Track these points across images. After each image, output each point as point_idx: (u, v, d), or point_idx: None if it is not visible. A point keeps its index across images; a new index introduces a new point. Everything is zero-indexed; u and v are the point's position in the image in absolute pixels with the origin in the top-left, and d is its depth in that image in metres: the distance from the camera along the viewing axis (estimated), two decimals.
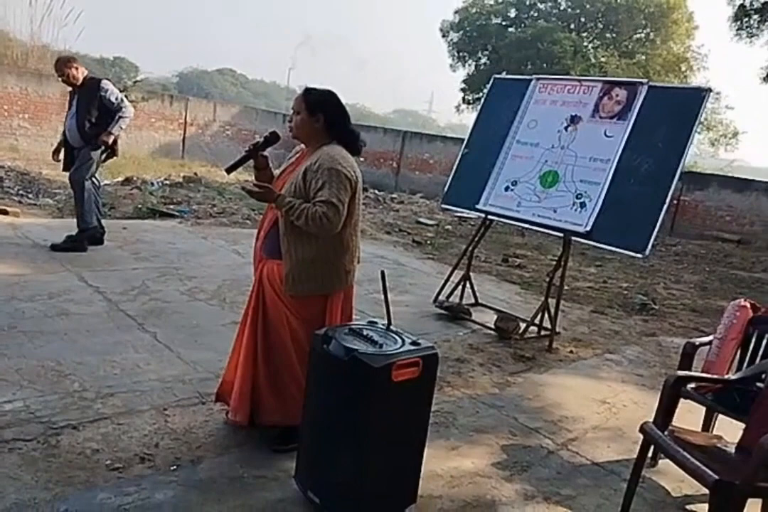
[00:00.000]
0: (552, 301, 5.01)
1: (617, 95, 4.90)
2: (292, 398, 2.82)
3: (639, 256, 4.58)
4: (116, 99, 5.75)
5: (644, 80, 5.01)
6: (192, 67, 59.62)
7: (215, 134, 18.50)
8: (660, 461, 3.18)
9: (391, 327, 2.56)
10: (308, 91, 2.85)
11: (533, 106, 5.40)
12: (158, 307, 4.62)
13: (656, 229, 4.42)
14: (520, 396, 3.92)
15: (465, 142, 5.95)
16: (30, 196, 8.82)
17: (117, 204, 8.58)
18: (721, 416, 3.22)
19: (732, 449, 2.70)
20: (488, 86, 6.05)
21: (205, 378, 3.52)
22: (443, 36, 25.41)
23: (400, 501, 2.53)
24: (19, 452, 2.63)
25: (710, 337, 3.40)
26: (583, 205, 4.80)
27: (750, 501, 2.35)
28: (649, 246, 4.43)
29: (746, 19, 14.45)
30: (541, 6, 25.09)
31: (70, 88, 5.98)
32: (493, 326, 5.05)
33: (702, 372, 3.26)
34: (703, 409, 3.29)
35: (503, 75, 6.16)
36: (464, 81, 25.49)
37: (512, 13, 25.22)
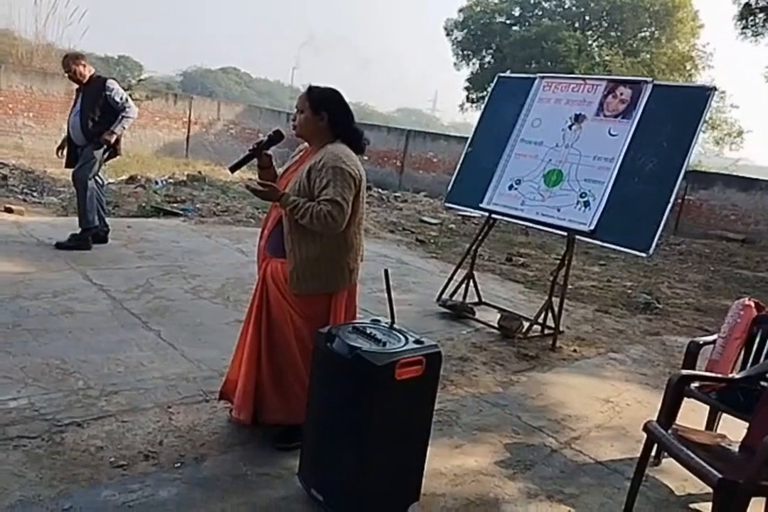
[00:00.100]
0: (556, 300, 5.01)
1: (622, 94, 4.89)
2: (295, 396, 2.82)
3: (643, 255, 4.57)
4: (121, 99, 5.76)
5: (649, 79, 5.00)
6: (196, 65, 59.75)
7: (219, 133, 18.52)
8: (663, 460, 3.18)
9: (395, 326, 2.56)
10: (312, 90, 2.85)
11: (537, 105, 5.39)
12: (162, 306, 4.63)
13: (660, 228, 4.41)
14: (523, 394, 3.91)
15: (469, 141, 5.94)
16: (34, 194, 8.84)
17: (121, 202, 8.60)
18: (724, 415, 3.22)
19: (736, 448, 2.69)
20: (492, 85, 6.04)
21: (208, 376, 3.53)
22: (447, 34, 25.40)
23: (403, 499, 2.54)
24: (23, 449, 2.64)
25: (714, 336, 3.40)
26: (587, 203, 4.79)
27: (754, 499, 2.34)
28: (654, 245, 4.42)
29: (751, 17, 14.40)
30: (546, 4, 25.04)
31: (75, 86, 6.00)
32: (496, 325, 5.05)
33: (706, 371, 3.26)
34: (707, 408, 3.29)
35: (507, 73, 6.13)
36: (468, 79, 25.46)
37: (517, 12, 25.17)
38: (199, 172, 12.35)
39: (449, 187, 5.92)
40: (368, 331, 2.47)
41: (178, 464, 2.68)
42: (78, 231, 5.89)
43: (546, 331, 5.05)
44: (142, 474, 2.57)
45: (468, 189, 5.63)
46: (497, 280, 7.03)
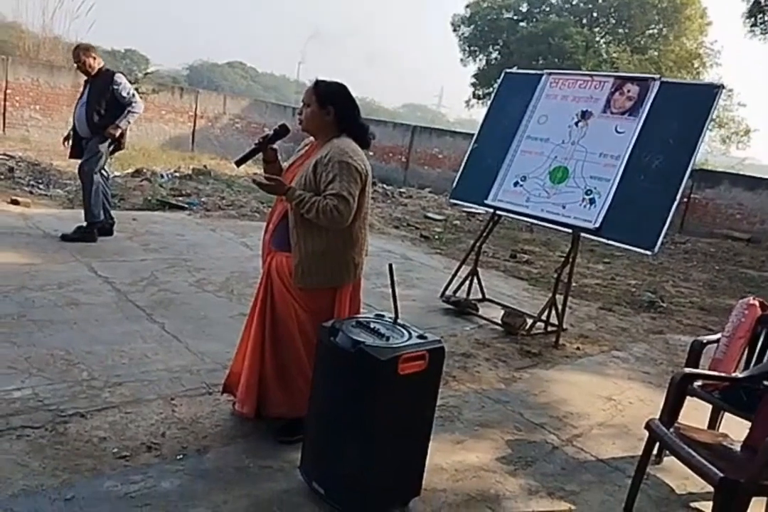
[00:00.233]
0: (559, 298, 5.01)
1: (629, 91, 4.87)
2: (298, 390, 2.82)
3: (648, 253, 4.57)
4: (128, 93, 5.77)
5: (656, 76, 4.97)
6: (202, 59, 59.64)
7: (225, 127, 18.52)
8: (665, 458, 3.18)
9: (398, 321, 2.56)
10: (319, 84, 2.84)
11: (544, 101, 5.37)
12: (167, 298, 4.64)
13: (666, 227, 4.40)
14: (525, 391, 3.92)
15: (474, 137, 5.93)
16: (41, 186, 8.87)
17: (127, 195, 8.62)
18: (727, 414, 3.21)
19: (738, 447, 2.69)
20: (499, 81, 6.03)
21: (212, 368, 3.54)
22: (454, 30, 25.30)
23: (404, 494, 2.55)
24: (27, 439, 2.65)
25: (718, 335, 3.39)
26: (592, 201, 4.78)
27: (755, 499, 2.35)
28: (659, 243, 4.41)
29: (761, 15, 14.33)
30: (553, 0, 24.93)
31: (82, 80, 6.02)
32: (499, 321, 5.05)
33: (709, 370, 3.25)
34: (710, 407, 3.29)
35: (514, 70, 6.11)
36: (475, 76, 25.39)
37: (524, 8, 25.07)
38: (205, 166, 12.37)
39: (454, 183, 5.91)
40: (372, 326, 2.47)
41: (181, 456, 2.69)
42: (84, 223, 5.91)
43: (549, 328, 5.04)
44: (144, 466, 2.58)
45: (473, 185, 5.62)
46: (501, 277, 7.03)
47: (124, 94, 5.75)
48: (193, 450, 2.74)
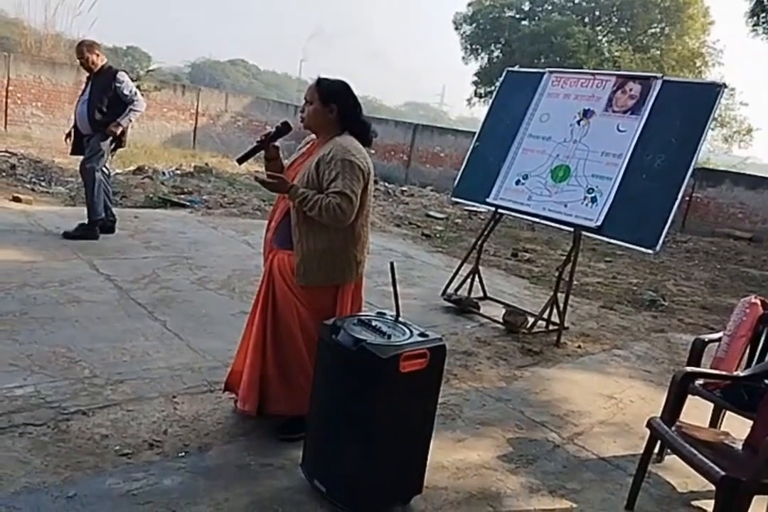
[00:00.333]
0: (561, 296, 5.00)
1: (631, 89, 4.87)
2: (300, 388, 2.82)
3: (650, 251, 4.56)
4: (130, 92, 5.77)
5: (658, 75, 4.96)
6: (204, 57, 59.63)
7: (226, 125, 18.52)
8: (666, 457, 3.18)
9: (400, 319, 2.56)
10: (321, 82, 2.83)
11: (546, 100, 5.37)
12: (168, 296, 4.64)
13: (667, 225, 4.40)
14: (526, 389, 3.92)
15: (476, 135, 5.93)
16: (43, 183, 8.87)
17: (128, 193, 8.62)
18: (728, 413, 3.21)
19: (739, 446, 2.69)
20: (501, 79, 6.01)
21: (214, 366, 3.54)
22: (456, 28, 25.27)
23: (405, 492, 2.55)
24: (29, 436, 2.66)
25: (720, 334, 3.39)
26: (594, 199, 4.78)
27: (756, 498, 2.34)
28: (660, 242, 4.41)
29: (763, 14, 14.30)
30: None
31: (84, 77, 6.02)
32: (501, 320, 5.05)
33: (711, 368, 3.25)
34: (711, 406, 3.29)
35: (516, 68, 6.11)
36: (476, 74, 25.36)
37: (526, 6, 25.03)
38: (206, 164, 12.37)
39: (456, 182, 5.91)
40: (373, 324, 2.47)
41: (183, 453, 2.69)
42: (86, 221, 5.92)
43: (550, 327, 5.04)
44: (146, 463, 2.59)
45: (475, 183, 5.62)
46: (502, 275, 7.03)
47: (126, 92, 5.75)
48: (195, 448, 2.75)
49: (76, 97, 7.04)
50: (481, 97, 25.05)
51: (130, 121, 5.86)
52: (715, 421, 3.32)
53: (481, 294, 5.72)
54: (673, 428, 2.68)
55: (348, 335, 2.37)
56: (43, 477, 2.41)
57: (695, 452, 2.47)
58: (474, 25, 24.81)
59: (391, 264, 2.56)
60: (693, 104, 4.59)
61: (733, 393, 3.07)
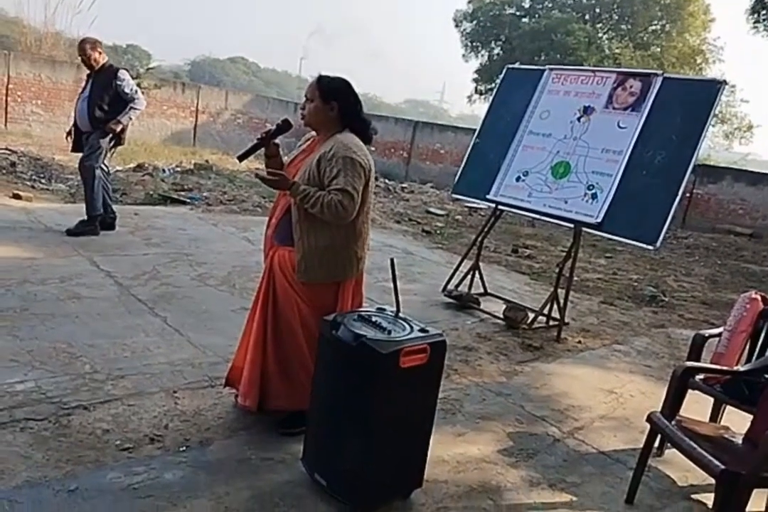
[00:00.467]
0: (561, 292, 5.01)
1: (631, 86, 4.86)
2: (300, 384, 2.83)
3: (650, 247, 4.55)
4: (130, 90, 5.78)
5: (659, 72, 4.96)
6: (204, 55, 59.70)
7: (226, 122, 18.52)
8: (666, 451, 3.18)
9: (400, 315, 2.57)
10: (322, 79, 2.83)
11: (546, 97, 5.36)
12: (169, 292, 4.65)
13: (668, 221, 4.40)
14: (527, 384, 3.92)
15: (477, 132, 5.92)
16: (43, 181, 8.88)
17: (129, 190, 8.63)
18: (728, 407, 3.22)
19: (739, 440, 2.70)
20: (501, 76, 6.01)
21: (214, 362, 3.55)
22: (456, 26, 25.26)
23: (406, 486, 2.56)
24: (30, 431, 2.66)
25: (720, 329, 3.40)
26: (594, 196, 4.78)
27: (756, 491, 2.35)
28: (661, 238, 4.41)
29: (764, 11, 14.28)
30: None
31: (84, 75, 6.02)
32: (501, 315, 5.06)
33: (711, 363, 3.26)
34: (711, 400, 3.29)
35: (516, 65, 6.11)
36: (477, 71, 25.36)
37: (526, 4, 25.02)
38: (207, 161, 12.37)
39: (456, 178, 5.91)
40: (373, 319, 2.48)
41: (183, 448, 2.70)
42: (85, 217, 5.92)
43: (551, 323, 5.05)
44: (147, 457, 2.60)
45: (475, 180, 5.62)
46: (503, 272, 7.03)
47: (126, 90, 5.76)
48: (196, 442, 2.75)
49: (75, 94, 7.06)
50: (481, 94, 25.06)
51: (131, 119, 5.87)
52: (715, 416, 3.33)
53: (481, 290, 5.73)
54: (673, 422, 2.69)
55: (348, 331, 2.37)
56: (45, 471, 2.42)
57: (695, 446, 2.48)
58: (474, 22, 24.80)
59: (392, 260, 2.57)
60: (693, 101, 4.59)
61: (733, 387, 3.07)
